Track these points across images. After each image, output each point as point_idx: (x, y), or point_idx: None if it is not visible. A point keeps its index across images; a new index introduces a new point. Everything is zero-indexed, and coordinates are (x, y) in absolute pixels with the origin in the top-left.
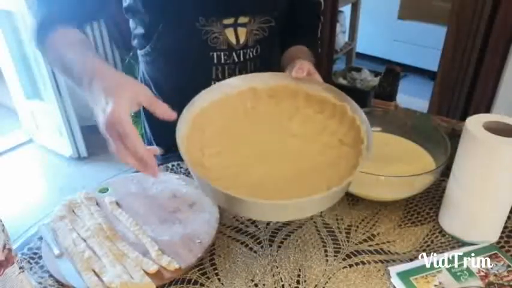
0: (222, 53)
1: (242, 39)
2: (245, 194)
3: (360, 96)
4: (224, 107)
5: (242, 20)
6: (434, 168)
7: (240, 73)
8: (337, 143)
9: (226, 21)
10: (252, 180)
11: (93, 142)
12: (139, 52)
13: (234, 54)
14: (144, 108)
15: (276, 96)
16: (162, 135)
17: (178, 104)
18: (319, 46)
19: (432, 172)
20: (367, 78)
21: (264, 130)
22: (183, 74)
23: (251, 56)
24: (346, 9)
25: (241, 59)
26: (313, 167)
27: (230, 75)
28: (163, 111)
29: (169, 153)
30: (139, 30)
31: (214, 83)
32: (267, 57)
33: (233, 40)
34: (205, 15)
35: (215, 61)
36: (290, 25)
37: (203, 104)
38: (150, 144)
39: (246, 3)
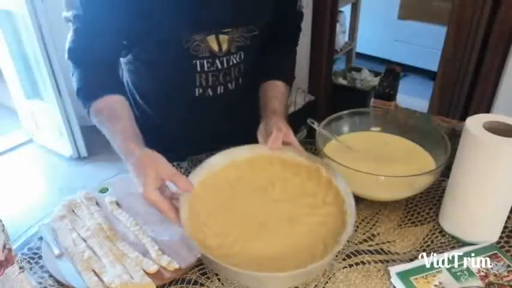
0: (205, 61)
1: (224, 47)
2: (256, 268)
3: (360, 96)
4: (211, 185)
5: (224, 29)
6: (434, 168)
7: (224, 79)
8: (321, 203)
9: (208, 32)
10: (257, 252)
11: (93, 142)
12: (122, 60)
13: (217, 61)
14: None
15: (254, 166)
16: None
17: (165, 111)
18: (319, 46)
19: (432, 172)
20: (367, 78)
21: (252, 200)
22: (166, 83)
23: (234, 62)
24: (346, 9)
25: (225, 65)
26: (307, 229)
27: (214, 82)
28: (184, 184)
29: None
30: None
31: (199, 90)
32: (252, 63)
33: (215, 47)
34: (189, 31)
35: (198, 69)
36: (272, 33)
37: (195, 186)
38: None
39: (227, 18)
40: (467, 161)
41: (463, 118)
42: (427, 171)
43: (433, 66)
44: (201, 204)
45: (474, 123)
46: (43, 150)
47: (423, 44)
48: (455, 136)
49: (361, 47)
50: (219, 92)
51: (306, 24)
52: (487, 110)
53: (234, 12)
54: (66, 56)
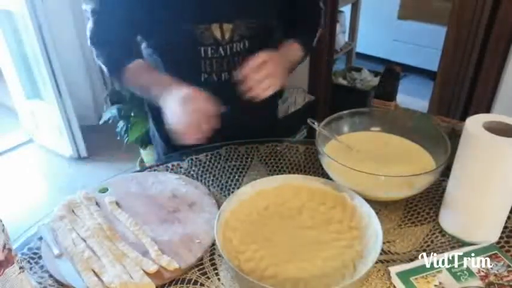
0: (209, 48)
1: (227, 35)
2: None
3: (360, 96)
4: (241, 214)
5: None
6: (434, 168)
7: (228, 66)
8: (347, 228)
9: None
10: (289, 275)
11: (93, 142)
12: (143, 46)
13: (220, 48)
14: (151, 109)
15: (281, 195)
16: (166, 133)
17: None
18: (319, 46)
19: (432, 172)
20: (367, 78)
21: (281, 227)
22: (176, 68)
23: (238, 49)
24: (346, 9)
25: (228, 53)
26: (336, 252)
27: (218, 69)
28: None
29: (174, 151)
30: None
31: (204, 75)
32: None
33: (218, 35)
34: (197, 22)
35: (203, 55)
36: (290, 16)
37: (226, 215)
38: (156, 142)
39: (232, 11)
40: (467, 161)
41: (463, 118)
42: (427, 171)
43: (433, 66)
44: (233, 232)
45: (474, 123)
46: (43, 150)
47: (423, 44)
48: (455, 136)
49: (361, 47)
50: (223, 78)
51: None
52: (487, 110)
53: (239, 6)
54: (88, 42)
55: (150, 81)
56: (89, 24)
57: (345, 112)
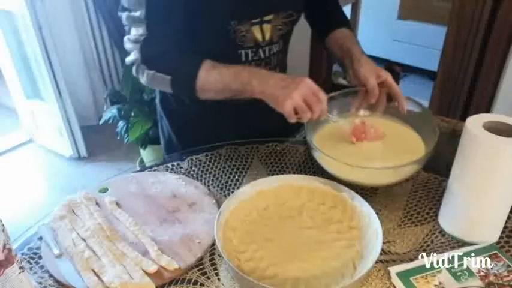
0: (250, 50)
1: (267, 36)
2: None
3: None
4: (241, 214)
5: (267, 17)
6: (421, 156)
7: (265, 68)
8: (347, 228)
9: (254, 20)
10: (290, 275)
11: (93, 142)
12: None
13: (260, 50)
14: (163, 108)
15: (281, 195)
16: (183, 133)
17: (210, 104)
18: (319, 46)
19: (420, 160)
20: None
21: (281, 227)
22: None
23: (274, 51)
24: (346, 9)
25: (267, 54)
26: (336, 252)
27: None
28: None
29: (190, 147)
30: None
31: None
32: (286, 50)
33: (259, 37)
34: (238, 18)
35: (243, 59)
36: (320, 9)
37: (226, 215)
38: (170, 141)
39: (274, 2)
40: (467, 161)
41: (463, 118)
42: (413, 161)
43: (433, 66)
44: (233, 232)
45: (474, 123)
46: (43, 150)
47: (423, 44)
48: (455, 136)
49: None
50: None
51: (306, 24)
52: (487, 110)
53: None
54: (137, 65)
55: (232, 73)
56: (135, 37)
57: (336, 93)
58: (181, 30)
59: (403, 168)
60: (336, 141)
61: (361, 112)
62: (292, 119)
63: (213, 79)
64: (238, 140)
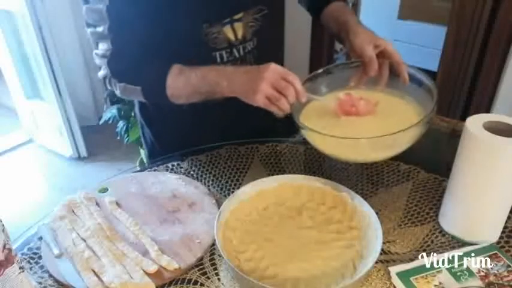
0: (224, 51)
1: (240, 34)
2: None
3: None
4: (241, 214)
5: (237, 15)
6: (418, 121)
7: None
8: (347, 228)
9: (224, 20)
10: (289, 275)
11: (93, 142)
12: None
13: (234, 50)
14: (143, 116)
15: (281, 195)
16: (165, 139)
17: (188, 107)
18: (319, 46)
19: (418, 124)
20: None
21: (281, 227)
22: None
23: (249, 48)
24: None
25: (241, 53)
26: (336, 252)
27: None
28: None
29: (170, 152)
30: None
31: None
32: (266, 48)
33: (232, 37)
34: (208, 21)
35: (218, 60)
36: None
37: (226, 215)
38: (153, 148)
39: (237, 2)
40: (467, 161)
41: (463, 118)
42: (409, 126)
43: (433, 66)
44: (232, 232)
45: (474, 123)
46: (43, 150)
47: (423, 44)
48: (455, 136)
49: None
50: None
51: (306, 25)
52: (487, 110)
53: None
54: (104, 75)
55: (199, 76)
56: (102, 51)
57: (320, 71)
58: (147, 41)
59: (397, 136)
60: (323, 119)
61: (351, 85)
62: (273, 109)
63: (181, 84)
64: (224, 142)
